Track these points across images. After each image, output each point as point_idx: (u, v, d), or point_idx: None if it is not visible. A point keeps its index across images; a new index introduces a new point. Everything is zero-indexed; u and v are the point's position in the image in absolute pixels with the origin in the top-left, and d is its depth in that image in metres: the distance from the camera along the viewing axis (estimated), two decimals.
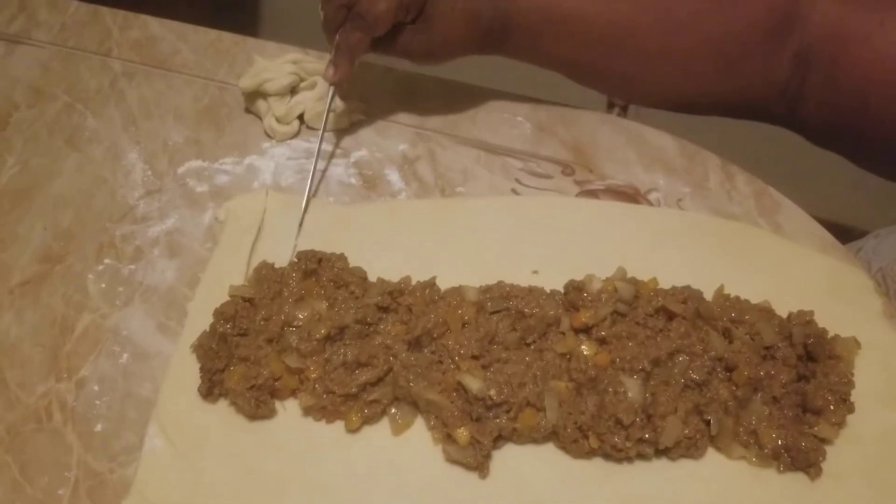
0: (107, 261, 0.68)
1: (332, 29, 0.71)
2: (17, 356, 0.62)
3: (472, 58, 0.76)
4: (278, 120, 0.78)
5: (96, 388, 0.61)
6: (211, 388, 0.59)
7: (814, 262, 0.69)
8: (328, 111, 0.73)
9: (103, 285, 0.67)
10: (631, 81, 0.76)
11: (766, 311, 0.62)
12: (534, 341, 0.61)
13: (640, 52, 0.73)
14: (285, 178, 0.75)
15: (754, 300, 0.64)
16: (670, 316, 0.61)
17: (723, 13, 0.71)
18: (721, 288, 0.64)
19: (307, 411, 0.59)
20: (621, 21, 0.72)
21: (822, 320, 0.62)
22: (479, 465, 0.56)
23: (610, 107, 0.91)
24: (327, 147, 0.78)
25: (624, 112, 0.89)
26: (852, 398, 0.59)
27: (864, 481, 0.57)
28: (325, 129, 0.73)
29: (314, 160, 0.73)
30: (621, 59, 0.74)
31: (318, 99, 0.78)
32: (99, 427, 0.59)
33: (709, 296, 0.64)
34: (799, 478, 0.57)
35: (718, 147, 0.79)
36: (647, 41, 0.72)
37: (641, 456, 0.57)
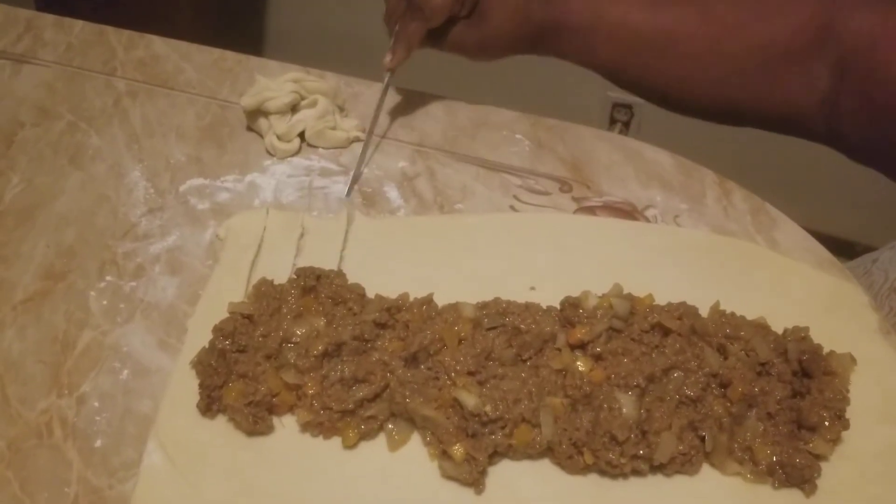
0: (108, 278, 0.69)
1: (392, 20, 0.76)
2: (19, 372, 0.63)
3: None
4: (279, 138, 0.79)
5: (97, 404, 0.61)
6: (210, 405, 0.59)
7: (810, 279, 0.69)
8: (382, 97, 0.78)
9: (105, 302, 0.67)
10: (677, 87, 0.77)
11: (761, 328, 0.63)
12: (530, 357, 0.61)
13: (686, 58, 0.74)
14: (286, 196, 0.76)
15: (750, 316, 0.64)
16: (666, 332, 0.61)
17: (767, 21, 0.72)
18: (716, 304, 0.64)
19: (305, 427, 0.59)
20: (669, 27, 0.74)
21: (817, 336, 0.62)
22: (475, 481, 0.56)
23: (612, 122, 0.92)
24: (328, 165, 0.79)
25: (626, 128, 0.89)
26: (847, 414, 0.59)
27: (859, 497, 0.57)
28: (378, 111, 0.79)
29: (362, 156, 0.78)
30: (668, 65, 0.75)
31: (318, 117, 0.79)
32: (99, 443, 0.59)
33: (704, 312, 0.64)
34: (794, 494, 0.57)
35: (719, 163, 0.80)
36: (693, 47, 0.74)
37: (636, 472, 0.57)
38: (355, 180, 0.77)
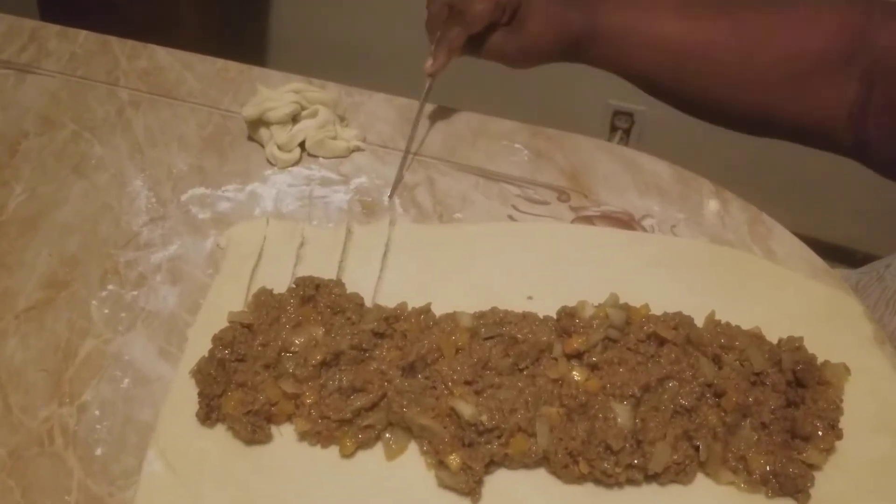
0: (110, 287, 0.70)
1: (434, 26, 0.77)
2: (21, 381, 0.64)
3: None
4: (280, 147, 0.80)
5: (97, 412, 0.62)
6: (209, 413, 0.60)
7: (805, 289, 0.69)
8: (423, 102, 0.79)
9: (106, 311, 0.68)
10: (709, 97, 0.77)
11: (756, 337, 0.63)
12: (526, 367, 0.62)
13: (719, 67, 0.75)
14: (286, 205, 0.77)
15: (746, 326, 0.64)
16: (661, 342, 0.62)
17: (798, 31, 0.72)
18: (712, 314, 0.65)
19: (303, 436, 0.60)
20: (701, 37, 0.74)
21: (813, 346, 0.63)
22: (471, 491, 0.57)
23: (613, 130, 0.92)
24: (328, 174, 0.79)
25: (627, 136, 0.89)
26: (842, 424, 0.59)
27: None
28: (419, 116, 0.80)
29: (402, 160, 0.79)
30: (701, 75, 0.75)
31: (319, 127, 0.80)
32: (99, 451, 0.60)
33: (701, 322, 0.65)
34: (787, 503, 0.57)
35: (720, 171, 0.80)
36: (725, 57, 0.74)
37: (631, 481, 0.57)
38: (397, 183, 0.78)
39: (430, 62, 0.77)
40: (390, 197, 0.77)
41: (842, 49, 0.70)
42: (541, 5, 0.75)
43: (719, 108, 0.78)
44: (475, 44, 0.77)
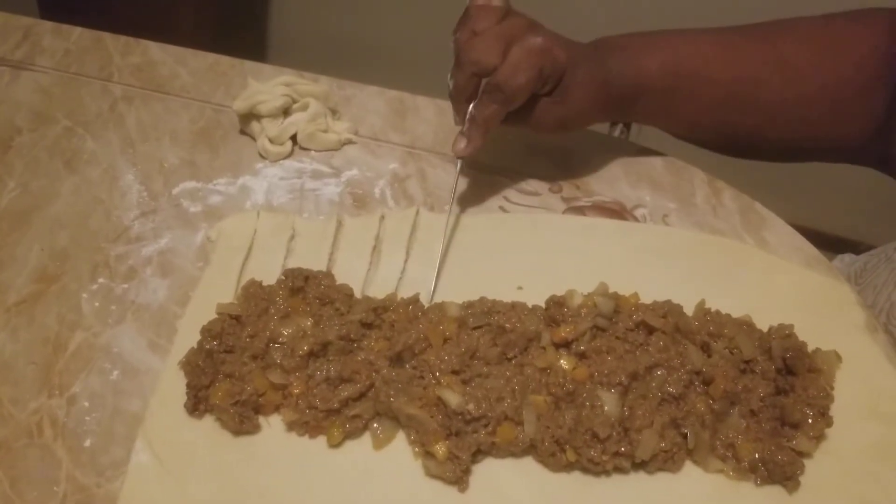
0: (101, 280, 0.70)
1: (461, 99, 0.69)
2: (11, 373, 0.64)
3: None
4: (271, 141, 0.80)
5: (87, 404, 0.62)
6: (196, 404, 0.60)
7: (797, 277, 0.69)
8: (455, 190, 0.72)
9: (97, 304, 0.68)
10: (755, 135, 0.77)
11: (746, 325, 0.63)
12: (514, 356, 0.61)
13: (763, 104, 0.74)
14: (277, 198, 0.77)
15: (737, 314, 0.64)
16: (650, 330, 0.62)
17: (835, 59, 0.72)
18: (702, 302, 0.64)
19: (290, 426, 0.60)
20: (744, 76, 0.73)
21: (804, 334, 0.62)
22: (459, 480, 0.57)
23: (613, 124, 0.91)
24: (319, 167, 0.79)
25: (627, 129, 0.89)
26: (833, 411, 0.59)
27: (842, 494, 0.57)
28: (454, 200, 0.72)
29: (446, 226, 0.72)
30: (746, 114, 0.75)
31: (310, 120, 0.80)
32: (88, 442, 0.60)
33: (692, 311, 0.64)
34: (776, 491, 0.57)
35: (722, 163, 0.80)
36: (768, 94, 0.73)
37: (619, 469, 0.57)
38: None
39: (462, 144, 0.69)
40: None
41: (876, 70, 0.70)
42: (585, 75, 0.70)
43: (762, 145, 0.77)
44: (510, 114, 0.70)
